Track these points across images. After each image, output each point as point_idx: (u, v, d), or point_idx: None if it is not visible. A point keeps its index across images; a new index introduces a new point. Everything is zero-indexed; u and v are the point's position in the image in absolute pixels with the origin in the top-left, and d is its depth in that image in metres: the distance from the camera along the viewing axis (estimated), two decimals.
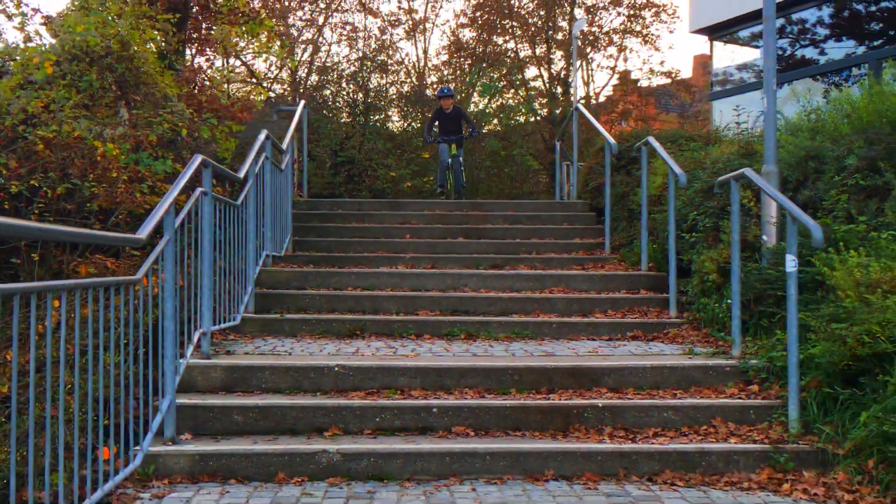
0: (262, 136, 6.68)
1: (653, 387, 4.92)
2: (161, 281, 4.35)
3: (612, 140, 8.28)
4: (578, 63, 22.54)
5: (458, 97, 20.38)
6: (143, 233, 3.77)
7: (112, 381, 3.76)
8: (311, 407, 4.49)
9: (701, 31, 12.27)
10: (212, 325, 5.06)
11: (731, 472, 4.10)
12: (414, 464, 4.09)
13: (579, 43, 19.05)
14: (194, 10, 9.34)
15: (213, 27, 9.12)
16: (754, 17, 11.23)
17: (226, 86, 11.43)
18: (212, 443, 4.20)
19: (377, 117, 19.20)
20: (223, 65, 21.25)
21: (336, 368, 4.88)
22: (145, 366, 4.18)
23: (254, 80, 21.09)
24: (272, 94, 20.14)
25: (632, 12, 22.28)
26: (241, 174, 5.90)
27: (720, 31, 11.85)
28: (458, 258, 7.81)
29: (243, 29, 9.42)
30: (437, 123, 11.26)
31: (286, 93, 20.32)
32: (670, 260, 6.45)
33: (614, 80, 23.31)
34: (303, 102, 10.38)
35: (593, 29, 23.13)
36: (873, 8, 11.63)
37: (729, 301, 5.50)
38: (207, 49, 9.60)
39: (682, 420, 4.54)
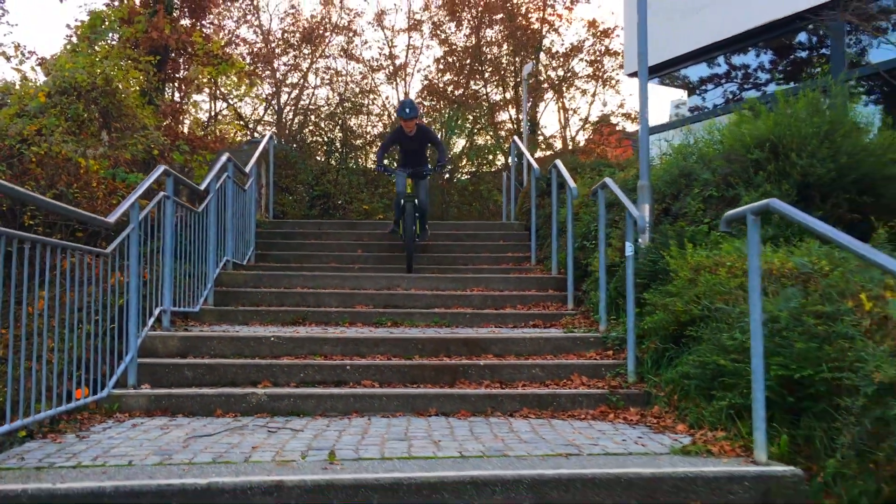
0: (223, 158, 7.83)
1: (530, 353, 6.03)
2: (127, 267, 5.45)
3: (536, 166, 9.50)
4: (543, 106, 23.96)
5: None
6: (112, 218, 4.89)
7: (83, 345, 4.86)
8: (249, 365, 5.57)
9: (634, 75, 13.57)
10: (171, 305, 6.16)
11: (575, 409, 5.19)
12: (325, 403, 5.16)
13: (533, 83, 20.35)
14: (173, 53, 10.55)
15: (189, 68, 10.32)
16: (675, 62, 12.59)
17: (201, 118, 12.61)
18: (165, 389, 5.26)
19: (353, 154, 20.34)
20: (211, 108, 22.62)
21: (272, 339, 5.98)
22: (112, 338, 5.27)
23: (241, 121, 22.42)
24: (257, 135, 21.45)
25: (593, 58, 23.85)
26: (203, 186, 7.04)
27: (650, 75, 13.17)
28: (401, 268, 8.91)
29: (217, 69, 10.60)
30: (394, 147, 9.73)
31: (275, 133, 21.57)
32: (569, 263, 7.59)
33: (576, 121, 24.79)
34: (269, 134, 11.58)
35: (559, 73, 24.74)
36: (814, 54, 12.96)
37: (610, 291, 6.63)
38: (183, 86, 10.79)
39: (547, 375, 5.64)
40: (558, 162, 8.29)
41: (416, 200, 8.88)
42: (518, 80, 24.41)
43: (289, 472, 3.44)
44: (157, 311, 6.02)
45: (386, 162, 9.50)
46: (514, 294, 7.85)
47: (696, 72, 13.87)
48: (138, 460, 3.70)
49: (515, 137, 12.06)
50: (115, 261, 5.27)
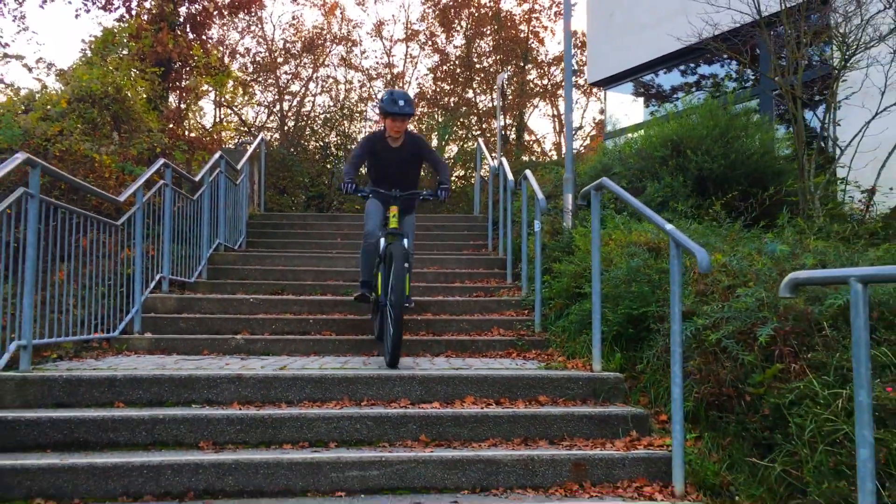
0: (216, 155, 9.21)
1: (461, 312, 7.37)
2: (133, 242, 6.82)
3: (493, 163, 10.85)
4: (530, 112, 25.26)
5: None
6: (123, 197, 6.26)
7: (99, 302, 6.22)
8: (231, 318, 6.93)
9: (596, 84, 14.93)
10: (170, 274, 7.53)
11: (489, 352, 6.51)
12: (290, 346, 6.49)
13: (504, 90, 21.73)
14: (176, 64, 11.95)
15: (190, 78, 11.72)
16: (629, 74, 13.91)
17: (203, 123, 13.97)
18: (163, 335, 6.61)
19: (345, 156, 21.56)
20: (216, 115, 24.03)
21: (252, 300, 7.33)
22: (122, 298, 6.64)
23: (244, 127, 23.85)
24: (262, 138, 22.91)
25: (576, 68, 25.22)
26: (197, 178, 8.41)
27: (609, 84, 14.51)
28: None
29: (214, 79, 11.99)
30: (369, 163, 6.33)
31: (274, 139, 22.98)
32: (508, 246, 8.93)
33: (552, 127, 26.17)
34: (259, 137, 12.94)
35: (544, 81, 26.15)
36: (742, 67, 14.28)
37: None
38: (184, 94, 12.19)
39: (472, 328, 6.98)
40: (503, 159, 9.63)
41: (403, 243, 5.69)
42: (506, 88, 25.69)
43: (248, 372, 4.79)
44: (157, 277, 7.38)
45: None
46: (464, 272, 9.17)
47: (665, 80, 15.21)
48: (140, 367, 5.06)
49: (479, 140, 13.40)
50: (125, 235, 6.64)
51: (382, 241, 5.89)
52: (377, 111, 6.15)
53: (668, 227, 4.14)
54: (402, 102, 6.03)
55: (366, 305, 6.75)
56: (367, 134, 6.41)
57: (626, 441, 4.38)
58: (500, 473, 4.00)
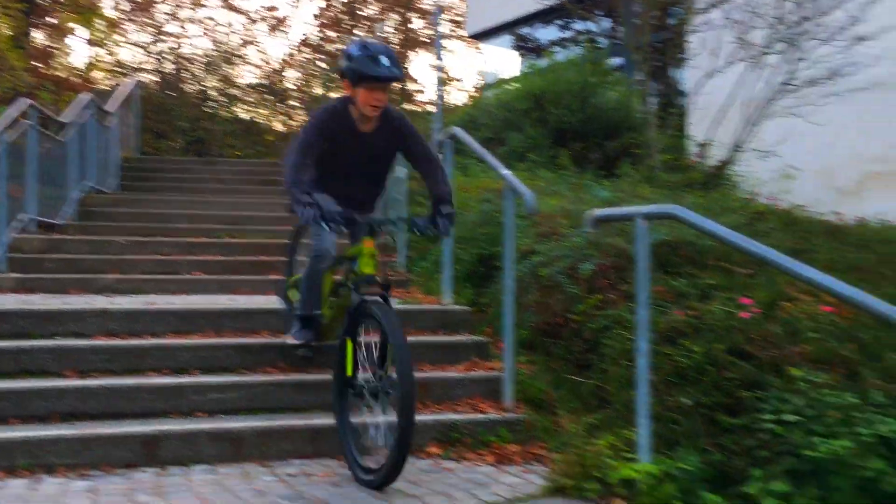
0: (85, 97, 9.08)
1: None
2: None
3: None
4: (414, 61, 25.38)
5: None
6: None
7: None
8: (101, 259, 7.02)
9: (473, 37, 15.35)
10: (35, 214, 7.50)
11: None
12: (161, 286, 6.61)
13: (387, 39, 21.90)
14: (43, 1, 11.55)
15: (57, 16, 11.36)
16: (506, 27, 14.37)
17: (73, 62, 13.55)
18: (29, 275, 6.64)
19: (226, 102, 21.13)
20: (91, 54, 22.99)
21: (122, 242, 7.43)
22: None
23: (121, 68, 22.96)
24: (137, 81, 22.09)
25: (461, 19, 25.53)
26: (64, 119, 8.32)
27: (487, 37, 14.95)
28: (255, 203, 10.28)
29: (83, 17, 11.67)
30: (323, 161, 4.05)
31: (154, 82, 22.22)
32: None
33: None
34: (135, 80, 12.70)
35: (428, 31, 26.27)
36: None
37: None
38: (52, 31, 11.80)
39: None
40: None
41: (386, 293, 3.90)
42: (386, 37, 25.57)
43: (114, 306, 5.00)
44: (24, 218, 7.35)
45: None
46: None
47: (543, 35, 15.69)
48: (6, 303, 5.18)
49: None
50: None
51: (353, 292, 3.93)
52: (340, 75, 3.93)
53: (504, 171, 4.60)
54: (385, 60, 3.81)
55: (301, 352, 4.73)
56: (323, 107, 4.11)
57: (467, 365, 4.89)
58: None
